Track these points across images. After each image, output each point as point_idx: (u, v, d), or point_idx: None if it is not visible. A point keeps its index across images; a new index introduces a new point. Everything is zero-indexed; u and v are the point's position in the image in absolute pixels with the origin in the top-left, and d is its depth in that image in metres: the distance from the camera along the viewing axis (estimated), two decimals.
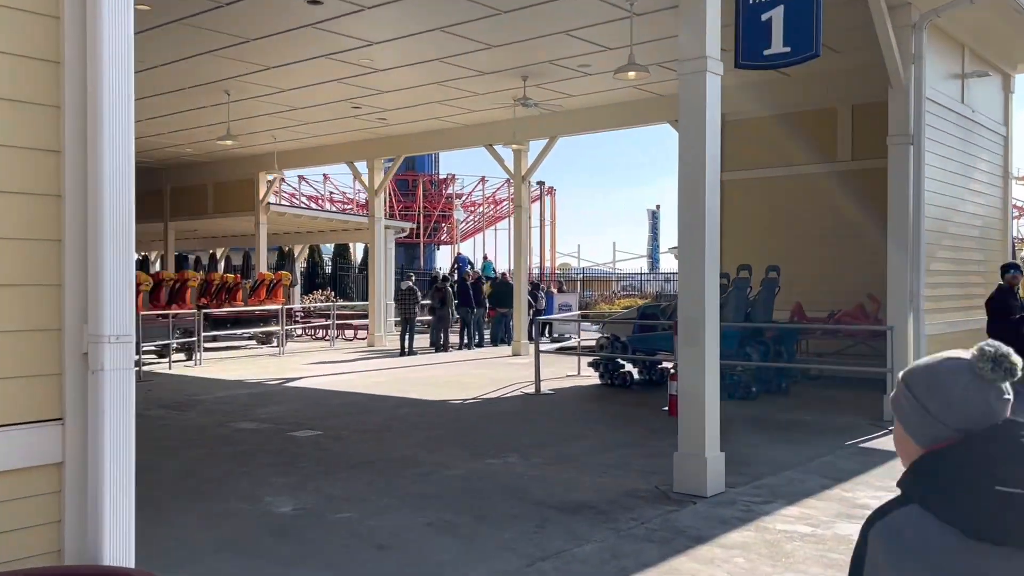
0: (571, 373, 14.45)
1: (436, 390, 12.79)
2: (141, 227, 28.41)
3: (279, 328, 19.44)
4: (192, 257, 36.23)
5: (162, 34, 12.29)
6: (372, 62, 13.92)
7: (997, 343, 1.54)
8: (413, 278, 20.26)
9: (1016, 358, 1.51)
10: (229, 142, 16.71)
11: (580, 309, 26.14)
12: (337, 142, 21.44)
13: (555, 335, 22.47)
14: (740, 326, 11.57)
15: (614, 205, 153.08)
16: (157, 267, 31.98)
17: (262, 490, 6.71)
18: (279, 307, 19.60)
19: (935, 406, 1.52)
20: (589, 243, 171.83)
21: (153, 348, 16.91)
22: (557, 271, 46.63)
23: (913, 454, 1.56)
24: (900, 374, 1.63)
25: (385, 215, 45.10)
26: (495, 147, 18.93)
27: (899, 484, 1.55)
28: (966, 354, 1.54)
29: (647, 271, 49.10)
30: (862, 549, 1.55)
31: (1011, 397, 1.53)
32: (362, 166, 21.64)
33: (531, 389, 12.49)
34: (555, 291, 24.75)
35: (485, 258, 32.05)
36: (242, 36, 12.54)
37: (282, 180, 34.40)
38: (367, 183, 21.51)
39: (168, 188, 26.56)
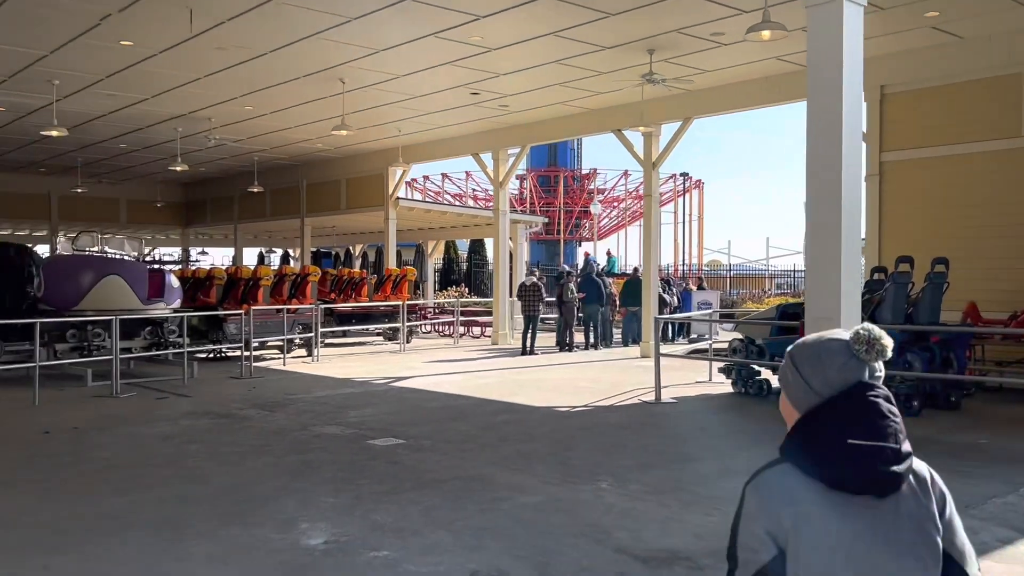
0: (701, 379, 12.97)
1: (545, 395, 11.67)
2: (280, 223, 28.98)
3: (401, 325, 18.85)
4: (335, 252, 36.76)
5: (264, 16, 11.81)
6: (483, 39, 12.95)
7: (871, 326, 1.69)
8: (537, 273, 19.21)
9: (888, 341, 1.67)
10: (344, 132, 16.20)
11: (723, 307, 24.31)
12: (461, 133, 20.70)
13: (692, 336, 20.83)
14: (899, 328, 9.77)
15: (768, 197, 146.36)
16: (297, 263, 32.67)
17: (305, 513, 5.80)
18: (400, 303, 19.00)
19: (816, 381, 1.68)
20: (741, 239, 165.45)
21: (278, 343, 16.69)
22: (705, 268, 44.42)
23: (793, 421, 1.72)
24: (788, 348, 1.77)
25: (525, 211, 44.42)
26: (624, 132, 17.57)
27: (779, 448, 1.70)
28: (846, 335, 1.68)
29: (803, 268, 46.09)
30: (739, 506, 1.68)
31: (882, 374, 1.71)
32: (488, 158, 20.79)
33: (651, 397, 11.16)
34: (693, 288, 23.04)
35: (608, 254, 30.54)
36: (344, 15, 11.87)
37: (407, 180, 34.29)
38: (492, 175, 20.64)
39: (304, 184, 26.77)
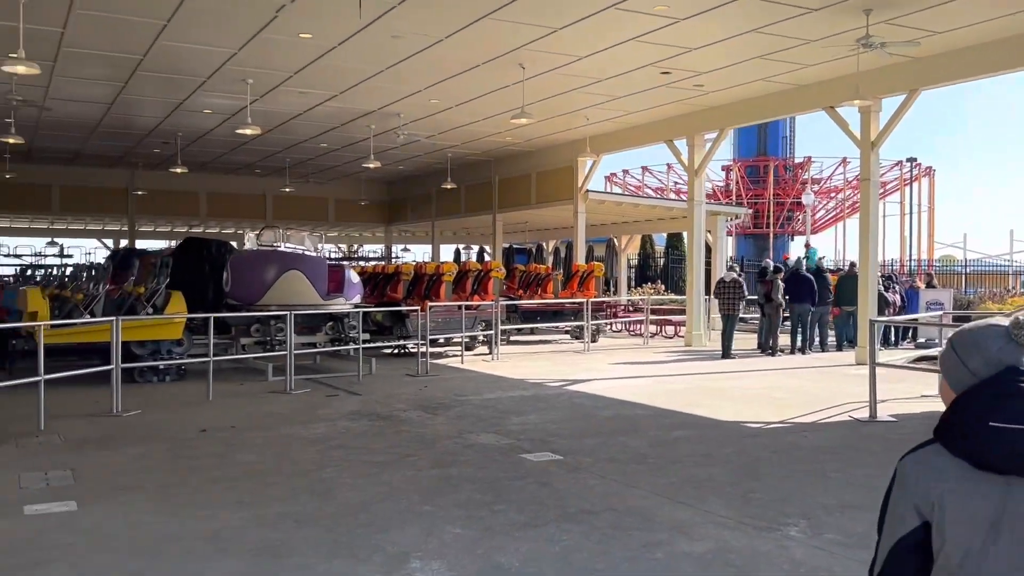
0: (929, 393, 10.99)
1: (735, 406, 10.25)
2: (474, 219, 28.92)
3: (585, 323, 17.87)
4: (529, 248, 36.42)
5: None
6: (668, 9, 11.68)
7: None
8: (737, 269, 17.54)
9: None
10: (524, 120, 15.44)
11: (957, 308, 21.31)
12: (652, 118, 19.39)
13: (920, 340, 18.31)
14: None
15: (1013, 182, 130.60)
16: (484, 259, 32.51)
17: (422, 547, 4.95)
18: (585, 300, 18.01)
19: (972, 363, 1.75)
20: (979, 231, 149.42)
21: (462, 340, 16.28)
22: (936, 264, 40.00)
23: (949, 403, 1.77)
24: (949, 336, 1.86)
25: (731, 202, 42.03)
26: (837, 109, 15.56)
27: (933, 429, 1.75)
28: (1005, 321, 1.78)
29: None
30: (891, 481, 1.78)
31: None
32: (682, 144, 19.34)
33: (864, 413, 9.46)
34: (921, 286, 20.32)
35: (807, 246, 27.79)
36: None
37: (605, 175, 33.09)
38: (686, 162, 19.17)
39: (496, 179, 26.46)
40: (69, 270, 15.54)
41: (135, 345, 12.28)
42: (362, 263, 33.33)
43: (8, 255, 33.95)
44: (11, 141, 17.51)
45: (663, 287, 30.29)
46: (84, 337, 11.68)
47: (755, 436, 8.57)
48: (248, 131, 16.37)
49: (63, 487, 6.26)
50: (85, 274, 14.06)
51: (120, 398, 9.65)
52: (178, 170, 22.44)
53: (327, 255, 38.82)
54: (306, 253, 13.81)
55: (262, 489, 6.24)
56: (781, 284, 16.81)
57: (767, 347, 16.82)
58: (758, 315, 17.86)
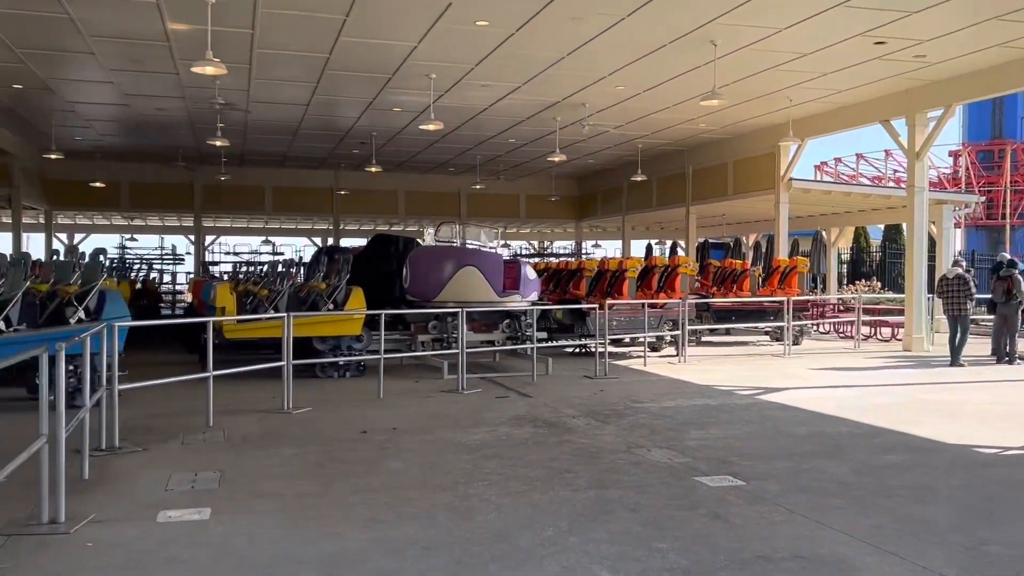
0: None
1: (963, 427, 8.66)
2: (666, 212, 27.67)
3: (785, 324, 16.32)
4: (728, 243, 34.54)
5: None
6: None
7: None
8: (964, 264, 15.35)
9: None
10: (715, 102, 14.23)
11: None
12: (865, 97, 17.45)
13: None
14: None
15: None
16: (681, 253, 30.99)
17: None
18: (786, 298, 16.44)
19: None
20: None
21: (650, 340, 15.37)
22: None
23: None
24: None
25: (959, 190, 37.92)
26: None
27: None
28: None
29: None
30: None
31: None
32: (900, 124, 17.27)
33: None
34: None
35: None
36: None
37: (815, 164, 30.65)
38: (905, 144, 17.07)
39: (689, 170, 25.14)
40: (264, 268, 16.04)
41: (317, 341, 12.37)
42: (546, 259, 32.98)
43: (228, 253, 36.57)
44: (218, 144, 18.49)
45: (879, 284, 27.64)
46: (266, 332, 11.87)
47: (989, 466, 7.07)
48: (431, 126, 16.27)
49: (206, 491, 6.05)
50: (272, 271, 14.42)
51: (291, 395, 9.58)
52: (373, 169, 22.97)
53: (518, 252, 38.94)
54: (482, 249, 13.41)
55: (399, 505, 5.71)
56: (1021, 279, 14.48)
57: (1004, 354, 14.57)
58: (992, 317, 15.53)
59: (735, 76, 15.58)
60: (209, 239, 37.30)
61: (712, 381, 12.22)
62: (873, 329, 19.74)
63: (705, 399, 10.58)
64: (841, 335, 20.47)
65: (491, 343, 13.84)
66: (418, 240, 16.47)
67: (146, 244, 36.23)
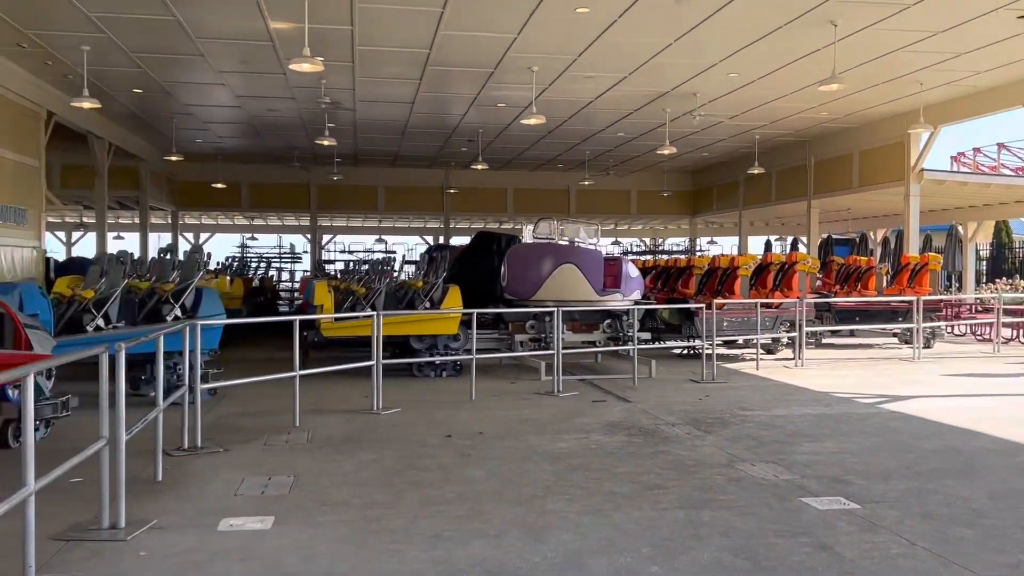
0: None
1: None
2: (786, 207, 26.36)
3: (915, 325, 15.07)
4: (854, 239, 32.75)
5: None
6: None
7: None
8: None
9: None
10: (834, 86, 13.20)
11: None
12: (1008, 79, 15.98)
13: None
14: None
15: None
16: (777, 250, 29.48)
17: None
18: (915, 298, 15.19)
19: None
20: None
21: (764, 342, 14.53)
22: None
23: None
24: None
25: None
26: None
27: None
28: None
29: None
30: None
31: None
32: None
33: None
34: None
35: None
36: None
37: (952, 155, 28.66)
38: None
39: (811, 161, 23.81)
40: (365, 266, 16.03)
41: (414, 340, 12.18)
42: (657, 257, 32.10)
43: (342, 251, 37.34)
44: (325, 143, 18.69)
45: (1022, 283, 25.47)
46: (362, 330, 11.75)
47: None
48: (533, 121, 15.86)
49: (275, 497, 5.83)
50: (371, 268, 14.35)
51: (382, 396, 9.37)
52: (479, 167, 22.80)
53: (628, 249, 38.11)
54: (581, 246, 12.91)
55: (470, 520, 5.31)
56: None
57: None
58: None
59: (858, 59, 14.48)
60: (326, 238, 38.21)
61: (830, 387, 11.32)
62: (1016, 332, 18.09)
63: (821, 407, 9.74)
64: (979, 338, 18.88)
65: (592, 344, 13.33)
66: (520, 237, 16.13)
67: (266, 243, 37.49)
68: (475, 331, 10.42)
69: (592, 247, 13.13)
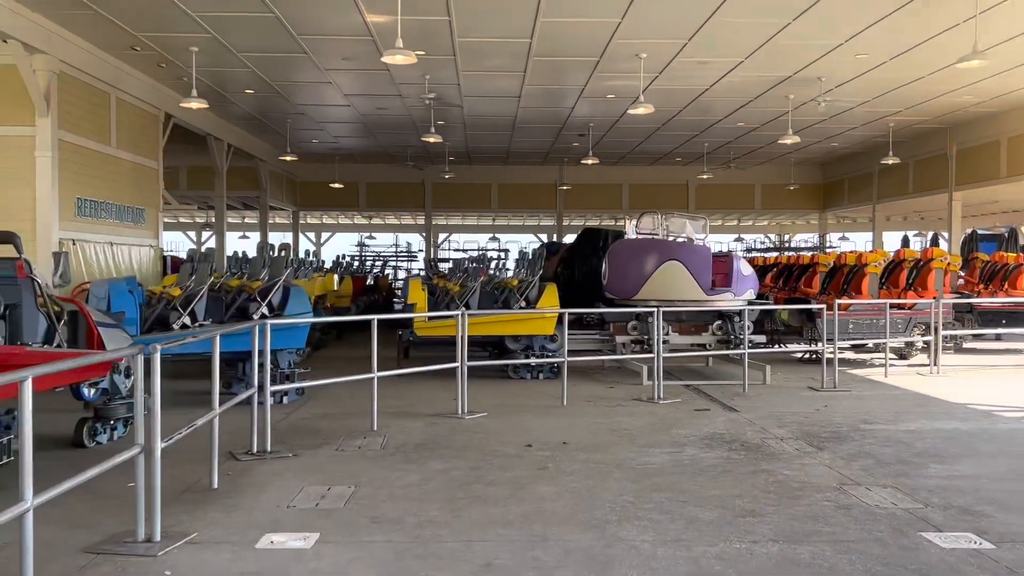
0: None
1: None
2: (925, 200, 24.41)
3: None
4: (1004, 234, 30.11)
5: None
6: None
7: None
8: None
9: None
10: (975, 63, 11.76)
11: None
12: None
13: None
14: None
15: None
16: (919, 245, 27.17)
17: None
18: None
19: None
20: None
21: (886, 346, 13.30)
22: None
23: None
24: None
25: None
26: None
27: None
28: None
29: None
30: None
31: None
32: None
33: None
34: None
35: None
36: None
37: None
38: None
39: (952, 150, 21.90)
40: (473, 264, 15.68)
41: (509, 340, 11.71)
42: (777, 254, 30.51)
43: (456, 249, 37.40)
44: (431, 140, 18.50)
45: None
46: (454, 330, 11.35)
47: None
48: (641, 110, 15.10)
49: (328, 511, 5.44)
50: (469, 266, 13.95)
51: (468, 399, 8.93)
52: (589, 161, 22.17)
53: (752, 246, 36.45)
54: (687, 241, 12.07)
55: (529, 546, 4.75)
56: None
57: None
58: None
59: (1005, 33, 12.99)
60: (442, 236, 38.41)
61: (970, 398, 10.09)
62: None
63: (956, 422, 8.63)
64: None
65: (702, 347, 12.48)
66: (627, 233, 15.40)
67: (384, 241, 37.98)
68: (566, 332, 9.82)
69: (699, 243, 12.26)
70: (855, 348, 14.30)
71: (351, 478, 6.22)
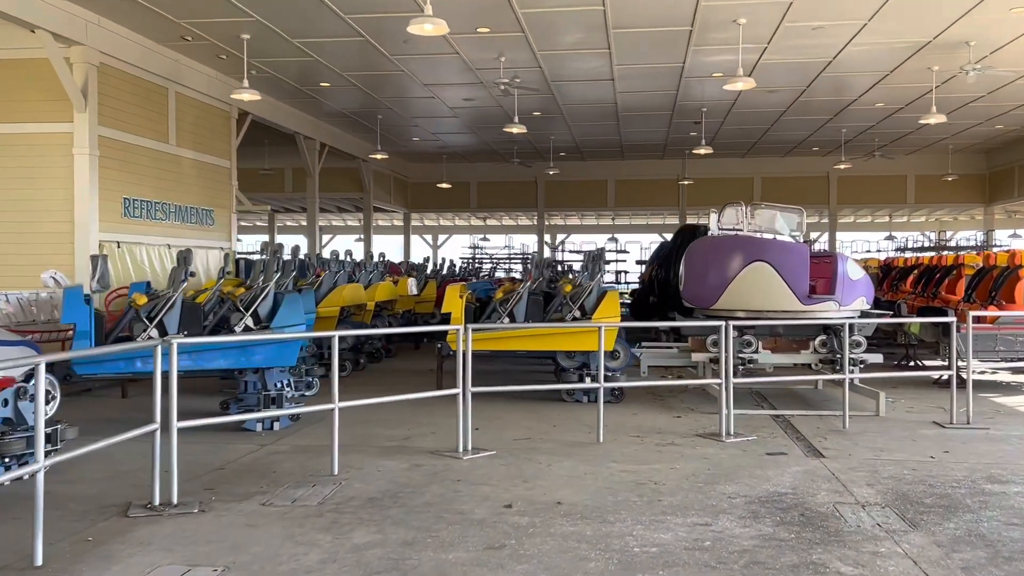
0: None
1: None
2: None
3: None
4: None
5: None
6: None
7: None
8: None
9: None
10: None
11: None
12: None
13: None
14: None
15: None
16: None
17: None
18: None
19: None
20: None
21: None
22: None
23: None
24: None
25: None
26: None
27: None
28: None
29: None
30: None
31: None
32: None
33: None
34: None
35: None
36: None
37: None
38: None
39: None
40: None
41: (561, 356, 9.96)
42: (924, 255, 26.96)
43: (573, 251, 35.66)
44: (514, 131, 16.95)
45: None
46: (494, 344, 9.74)
47: None
48: (740, 85, 12.90)
49: None
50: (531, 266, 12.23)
51: (470, 435, 7.29)
52: (702, 151, 19.95)
53: (904, 244, 32.59)
54: (777, 239, 9.83)
55: None
56: None
57: None
58: None
59: None
60: (560, 237, 36.77)
61: None
62: None
63: None
64: None
65: (807, 366, 10.21)
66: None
67: (498, 244, 36.74)
68: (600, 355, 7.94)
69: (794, 240, 10.01)
70: (1015, 371, 11.57)
71: (230, 554, 4.71)
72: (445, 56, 14.57)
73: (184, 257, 8.02)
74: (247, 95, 13.39)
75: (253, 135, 21.23)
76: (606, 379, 9.82)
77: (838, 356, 9.58)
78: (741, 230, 9.76)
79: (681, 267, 10.41)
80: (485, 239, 35.85)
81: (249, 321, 8.02)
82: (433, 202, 29.48)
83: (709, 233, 10.34)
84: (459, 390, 7.18)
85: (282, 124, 18.97)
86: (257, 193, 26.57)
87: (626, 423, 8.61)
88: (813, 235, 39.71)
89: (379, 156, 21.02)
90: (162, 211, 14.11)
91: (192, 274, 8.49)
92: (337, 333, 6.80)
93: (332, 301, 11.97)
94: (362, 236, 35.07)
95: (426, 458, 7.05)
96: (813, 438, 7.94)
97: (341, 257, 14.90)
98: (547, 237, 37.55)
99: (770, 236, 9.79)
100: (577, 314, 9.90)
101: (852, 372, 9.37)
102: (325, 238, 38.68)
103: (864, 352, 9.58)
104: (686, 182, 26.93)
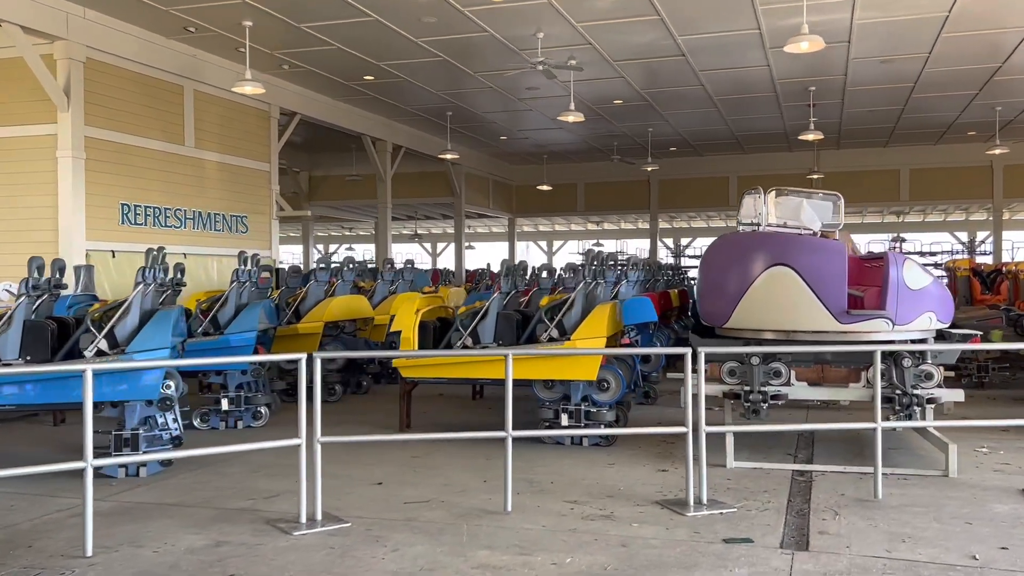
0: None
1: None
2: None
3: None
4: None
5: None
6: None
7: None
8: None
9: None
10: None
11: None
12: None
13: None
14: None
15: None
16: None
17: None
18: None
19: None
20: None
21: None
22: None
23: None
24: None
25: None
26: None
27: None
28: None
29: None
30: None
31: None
32: None
33: None
34: None
35: None
36: None
37: None
38: None
39: None
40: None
41: (538, 386, 7.96)
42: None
43: (694, 256, 32.86)
44: (571, 119, 14.96)
45: None
46: (444, 371, 7.92)
47: None
48: (805, 45, 10.35)
49: None
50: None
51: (318, 498, 5.53)
52: (810, 136, 17.15)
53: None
54: (803, 235, 7.29)
55: None
56: None
57: None
58: None
59: None
60: (684, 241, 34.03)
61: None
62: None
63: None
64: None
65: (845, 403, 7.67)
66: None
67: (610, 250, 34.46)
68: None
69: (827, 236, 7.46)
70: None
71: None
72: (471, 36, 12.88)
73: (76, 268, 6.74)
74: (250, 88, 12.24)
75: (338, 140, 20.38)
76: (590, 415, 7.84)
77: (899, 393, 7.02)
78: (759, 224, 7.36)
79: (698, 277, 8.12)
80: (599, 244, 33.63)
81: (103, 344, 6.62)
82: (536, 206, 27.79)
83: (739, 229, 7.94)
84: (301, 440, 5.42)
85: (342, 125, 17.90)
86: (345, 201, 25.91)
87: (579, 480, 6.55)
88: (980, 235, 34.78)
89: (449, 156, 19.53)
90: (175, 218, 13.22)
91: (184, 284, 7.45)
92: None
93: (315, 316, 10.51)
94: (468, 244, 33.91)
95: (249, 531, 5.33)
96: (818, 513, 5.59)
97: (399, 265, 13.46)
98: (669, 241, 34.94)
99: (795, 231, 7.34)
100: (555, 334, 7.90)
101: (913, 413, 6.84)
102: (467, 246, 37.60)
103: (936, 387, 6.98)
104: (815, 176, 23.78)
